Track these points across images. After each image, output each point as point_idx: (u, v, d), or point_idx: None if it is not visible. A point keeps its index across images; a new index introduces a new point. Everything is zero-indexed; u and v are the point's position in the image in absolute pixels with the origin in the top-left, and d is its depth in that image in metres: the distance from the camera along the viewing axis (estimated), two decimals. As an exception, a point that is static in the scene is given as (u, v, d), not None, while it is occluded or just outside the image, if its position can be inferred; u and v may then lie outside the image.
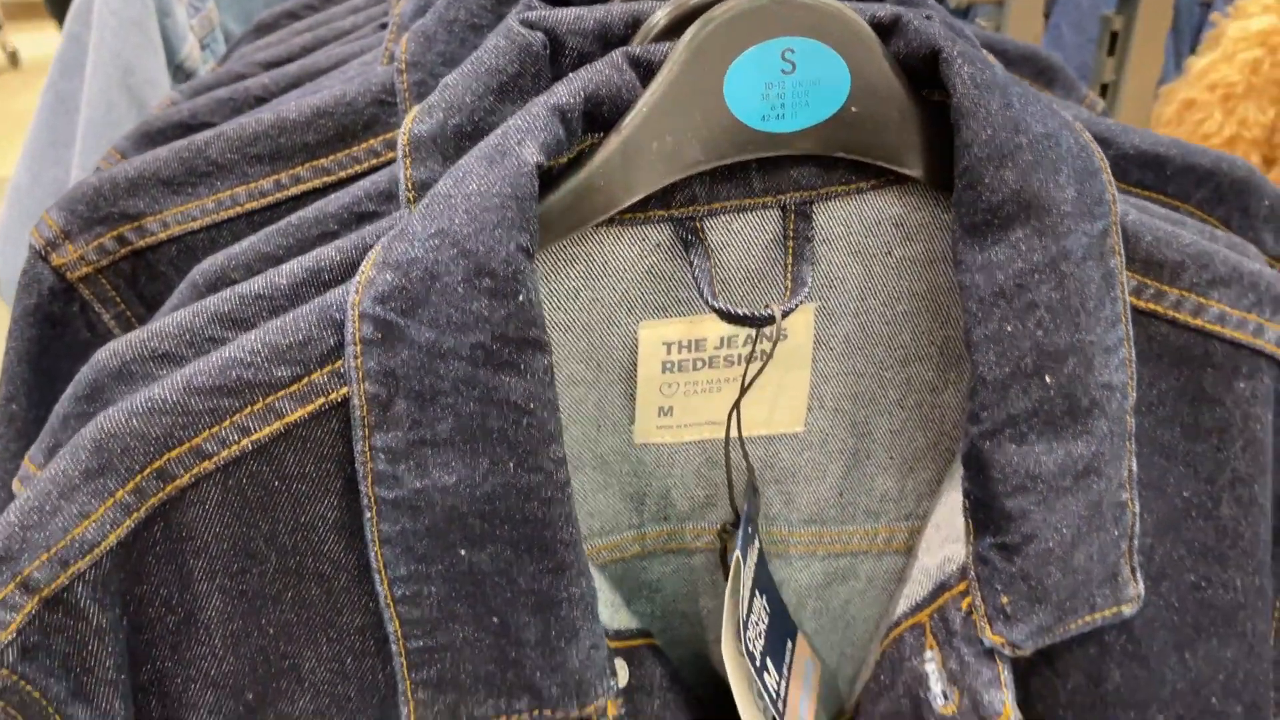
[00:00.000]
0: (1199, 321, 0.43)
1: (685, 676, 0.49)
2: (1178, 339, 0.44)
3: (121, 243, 0.50)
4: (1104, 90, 0.83)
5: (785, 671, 0.47)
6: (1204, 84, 0.81)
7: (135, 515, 0.37)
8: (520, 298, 0.36)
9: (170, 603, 0.39)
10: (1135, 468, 0.42)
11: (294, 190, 0.52)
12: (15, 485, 0.43)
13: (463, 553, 0.39)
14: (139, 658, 0.39)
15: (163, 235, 0.51)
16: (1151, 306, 0.43)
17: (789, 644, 0.48)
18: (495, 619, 0.39)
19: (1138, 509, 0.43)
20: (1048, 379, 0.39)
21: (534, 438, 0.38)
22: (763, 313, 0.39)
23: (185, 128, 0.57)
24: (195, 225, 0.51)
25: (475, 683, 0.40)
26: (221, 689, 0.40)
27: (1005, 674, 0.42)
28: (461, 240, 0.36)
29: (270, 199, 0.52)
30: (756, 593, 0.46)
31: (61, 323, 0.53)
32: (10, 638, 0.36)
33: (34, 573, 0.36)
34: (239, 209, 0.51)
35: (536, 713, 0.40)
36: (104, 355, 0.41)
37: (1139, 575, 0.43)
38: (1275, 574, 0.48)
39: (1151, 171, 0.49)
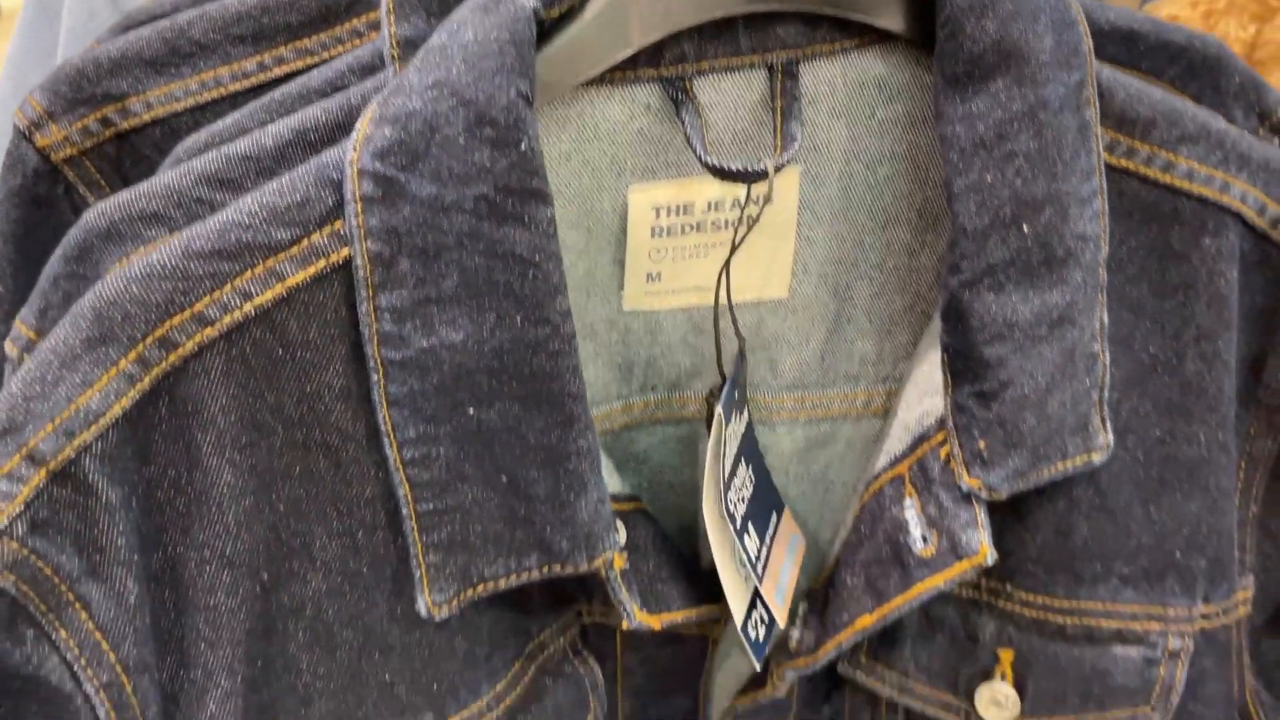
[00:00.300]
0: (1169, 178, 0.45)
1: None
2: (1148, 195, 0.45)
3: (105, 124, 0.50)
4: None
5: (768, 540, 0.49)
6: (1187, 0, 0.83)
7: (139, 386, 0.37)
8: (522, 146, 0.37)
9: (179, 483, 0.39)
10: (1106, 320, 0.44)
11: (277, 71, 0.52)
12: (7, 346, 0.42)
13: (471, 411, 0.39)
14: (150, 544, 0.39)
15: (146, 117, 0.50)
16: (1124, 163, 0.45)
17: (774, 516, 0.50)
18: (504, 478, 0.40)
19: (1108, 360, 0.45)
20: (1025, 228, 0.41)
21: (540, 290, 0.38)
22: (755, 167, 0.40)
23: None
24: (179, 106, 0.50)
25: (485, 543, 0.41)
26: (237, 569, 0.40)
27: (982, 516, 0.44)
28: (461, 89, 0.37)
29: (253, 80, 0.52)
30: (742, 461, 0.48)
31: (47, 204, 0.52)
32: (18, 510, 0.35)
33: (39, 444, 0.35)
34: (222, 90, 0.51)
35: (546, 569, 0.42)
36: (92, 215, 0.41)
37: (1108, 425, 0.45)
38: (1239, 433, 0.50)
39: (1125, 48, 0.50)
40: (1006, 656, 0.52)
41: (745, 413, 0.48)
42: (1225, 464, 0.49)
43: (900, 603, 0.46)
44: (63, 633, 0.36)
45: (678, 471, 0.54)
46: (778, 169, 0.40)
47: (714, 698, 0.56)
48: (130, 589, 0.37)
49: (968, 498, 0.44)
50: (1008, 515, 0.49)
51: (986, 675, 0.53)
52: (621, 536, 0.45)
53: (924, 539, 0.45)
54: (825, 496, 0.54)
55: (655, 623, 0.46)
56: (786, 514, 0.51)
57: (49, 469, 0.35)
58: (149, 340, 0.37)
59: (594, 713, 0.52)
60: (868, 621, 0.46)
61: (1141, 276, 0.46)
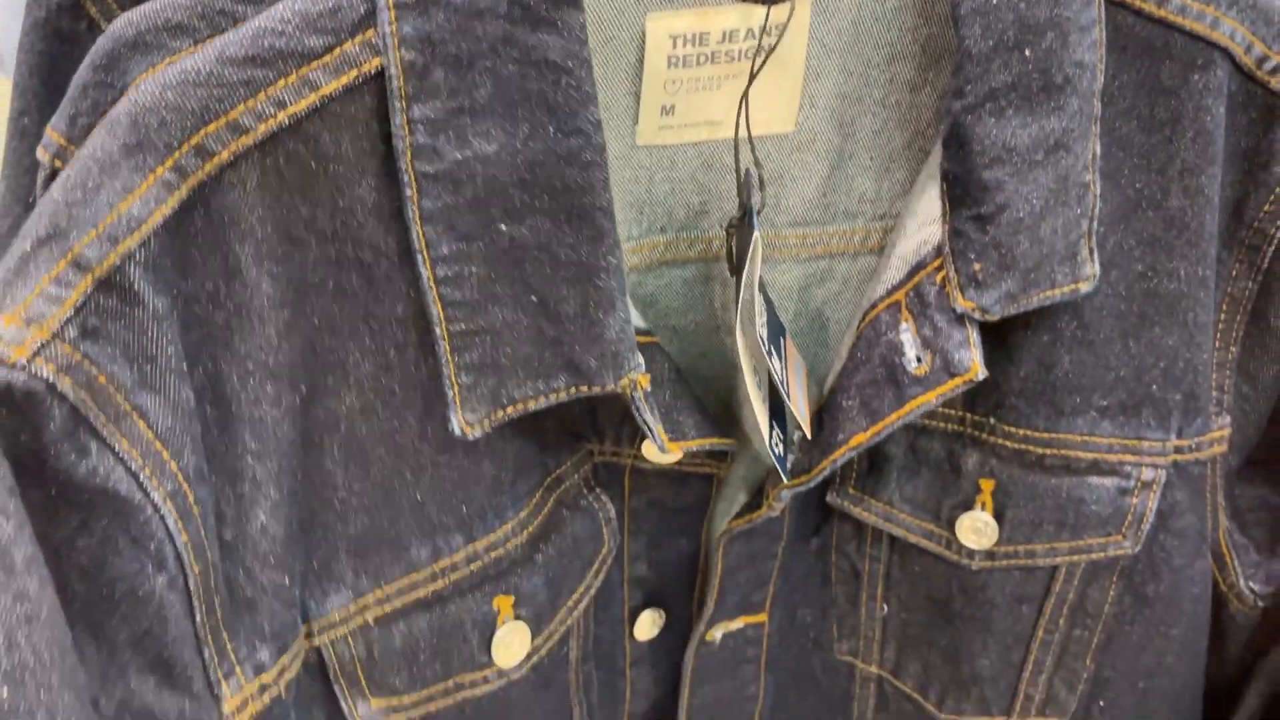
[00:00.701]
0: (1163, 12, 0.46)
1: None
2: (1142, 30, 0.47)
3: None
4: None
5: (783, 363, 0.51)
6: None
7: (177, 194, 0.37)
8: None
9: (218, 296, 0.39)
10: (1099, 151, 0.46)
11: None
12: (40, 152, 0.42)
13: (503, 227, 0.40)
14: (193, 359, 0.39)
15: None
16: (1119, -4, 0.46)
17: (782, 340, 0.52)
18: (534, 298, 0.41)
19: (1098, 191, 0.47)
20: (1027, 52, 0.43)
21: (573, 99, 0.39)
22: None
23: None
24: None
25: (515, 365, 0.42)
26: (279, 380, 0.41)
27: (975, 336, 0.46)
28: None
29: None
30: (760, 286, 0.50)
31: (70, 40, 0.52)
32: (69, 314, 0.35)
33: (84, 250, 0.35)
34: None
35: (574, 390, 0.43)
36: (120, 25, 0.40)
37: (1095, 256, 0.47)
38: (1221, 274, 0.53)
39: None
40: (988, 487, 0.55)
41: (760, 243, 0.50)
42: (1204, 299, 0.51)
43: (894, 419, 0.48)
44: (124, 443, 0.36)
45: (682, 315, 0.56)
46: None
47: (714, 533, 0.59)
48: (184, 398, 0.38)
49: (961, 319, 0.46)
50: (994, 350, 0.52)
51: (968, 505, 0.56)
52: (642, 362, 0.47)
53: (918, 359, 0.47)
54: (820, 334, 0.57)
55: (676, 449, 0.47)
56: (789, 340, 0.54)
57: (95, 275, 0.35)
58: (185, 148, 0.37)
59: (608, 545, 0.54)
60: (862, 439, 0.49)
61: (1131, 112, 0.48)
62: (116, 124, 0.37)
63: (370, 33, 0.38)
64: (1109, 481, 0.54)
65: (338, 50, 0.38)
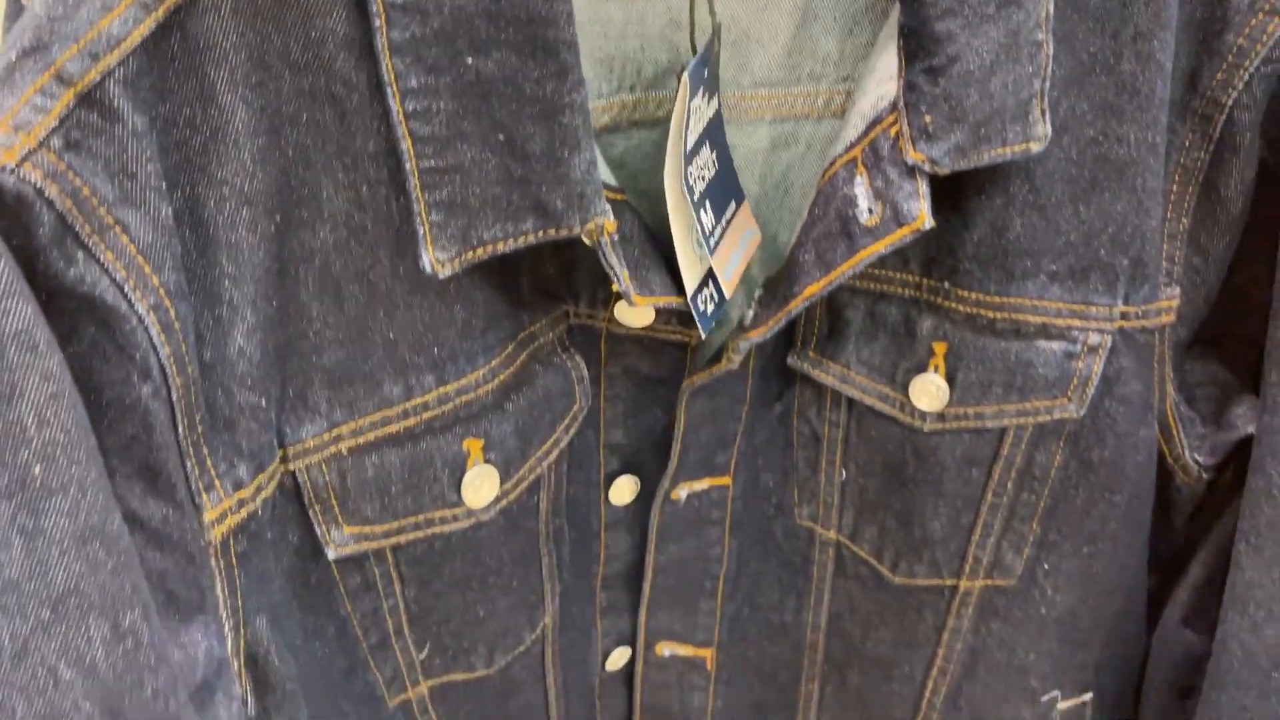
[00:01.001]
0: None
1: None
2: None
3: None
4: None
5: (724, 224, 0.53)
6: None
7: (154, 15, 0.37)
8: None
9: (195, 121, 0.40)
10: (1052, 11, 0.47)
11: None
12: None
13: (470, 60, 0.41)
14: (171, 183, 0.40)
15: None
16: None
17: (733, 205, 0.54)
18: (501, 136, 0.43)
19: (1051, 50, 0.48)
20: None
21: None
22: None
23: None
24: None
25: (484, 206, 0.44)
26: (255, 206, 0.42)
27: (924, 188, 0.48)
28: None
29: None
30: (706, 144, 0.52)
31: None
32: (53, 124, 0.36)
33: (66, 64, 0.36)
34: None
35: (542, 233, 0.45)
36: None
37: (1048, 117, 0.49)
38: (1175, 145, 0.54)
39: None
40: (940, 350, 0.57)
41: (716, 100, 0.52)
42: (1154, 166, 0.53)
43: (846, 268, 0.50)
44: (109, 255, 0.37)
45: (651, 177, 0.57)
46: None
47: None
48: (164, 215, 0.39)
49: (912, 172, 0.48)
50: (950, 214, 0.54)
51: (921, 368, 0.58)
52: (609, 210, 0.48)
53: (870, 210, 0.49)
54: (784, 199, 0.58)
55: (642, 302, 0.49)
56: (745, 207, 0.55)
57: (76, 90, 0.36)
58: None
59: (579, 404, 0.57)
60: (815, 289, 0.51)
61: None
62: None
63: None
64: (1056, 345, 0.56)
65: None
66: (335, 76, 0.42)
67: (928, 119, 0.47)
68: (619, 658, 0.70)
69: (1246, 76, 0.51)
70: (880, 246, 0.49)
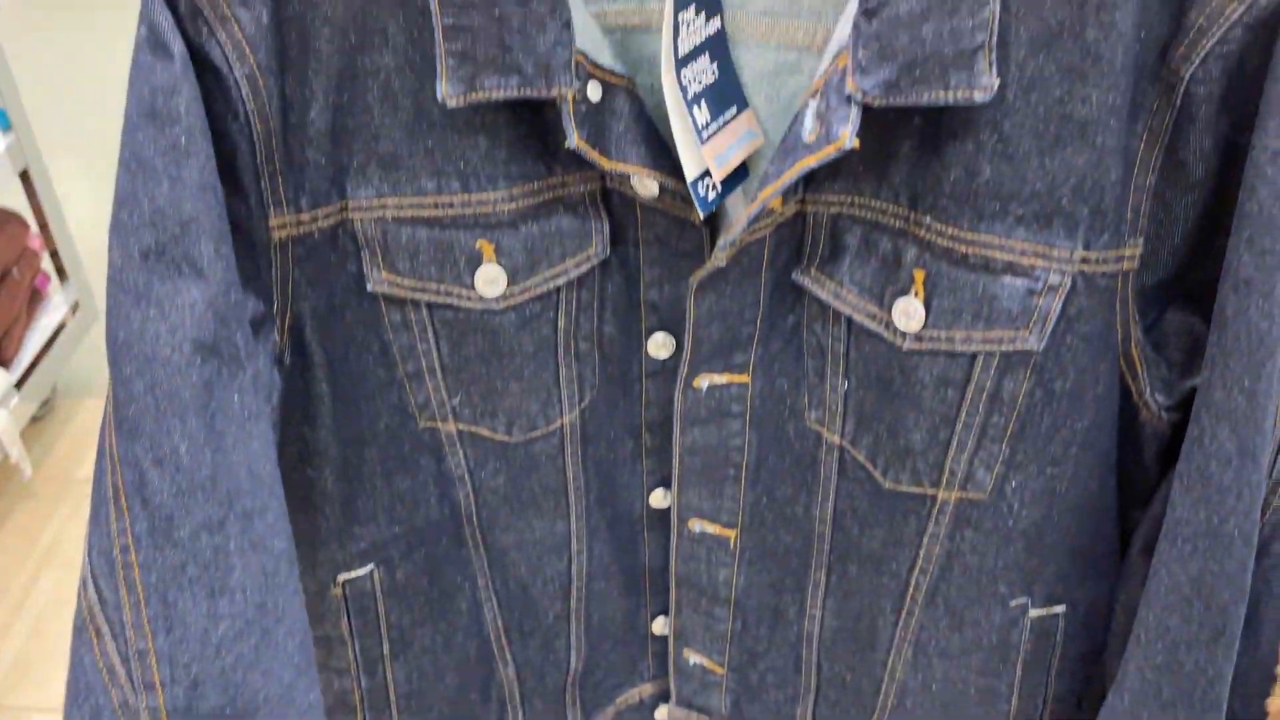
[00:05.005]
0: None
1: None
2: None
3: None
4: None
5: (721, 122, 0.62)
6: None
7: None
8: None
9: None
10: None
11: None
12: None
13: None
14: (285, 2, 0.57)
15: None
16: None
17: (734, 109, 0.63)
18: (496, 10, 0.56)
19: (998, 10, 0.54)
20: None
21: None
22: None
23: None
24: None
25: (485, 61, 0.57)
26: (334, 27, 0.58)
27: (854, 114, 0.56)
28: None
29: None
30: (706, 53, 0.61)
31: None
32: None
33: None
34: None
35: (521, 90, 0.58)
36: None
37: (994, 69, 0.55)
38: (1145, 106, 0.59)
39: None
40: (919, 276, 0.64)
41: (718, 20, 0.61)
42: (1114, 126, 0.58)
43: (787, 177, 0.58)
44: (222, 34, 0.56)
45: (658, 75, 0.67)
46: None
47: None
48: (264, 19, 0.56)
49: (849, 99, 0.56)
50: (930, 156, 0.61)
51: (904, 291, 0.65)
52: (593, 94, 0.60)
53: (812, 130, 0.57)
54: (790, 121, 0.66)
55: (605, 162, 0.61)
56: (748, 114, 0.64)
57: None
58: None
59: (595, 247, 0.68)
60: (766, 194, 0.60)
61: None
62: None
63: None
64: (1020, 282, 0.62)
65: None
66: None
67: (861, 55, 0.55)
68: (660, 498, 0.81)
69: (1203, 53, 0.55)
70: (811, 160, 0.57)
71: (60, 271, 2.20)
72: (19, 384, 1.99)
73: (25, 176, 2.01)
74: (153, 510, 0.56)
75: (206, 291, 0.57)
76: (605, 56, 0.61)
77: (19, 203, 2.09)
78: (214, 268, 0.57)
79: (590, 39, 0.60)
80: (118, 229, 0.56)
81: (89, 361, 2.33)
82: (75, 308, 2.20)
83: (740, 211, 0.69)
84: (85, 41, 3.41)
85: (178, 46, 0.55)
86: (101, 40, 3.39)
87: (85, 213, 2.66)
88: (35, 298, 2.13)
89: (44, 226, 2.11)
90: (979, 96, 0.55)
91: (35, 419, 2.21)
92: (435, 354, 0.70)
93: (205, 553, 0.57)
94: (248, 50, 0.57)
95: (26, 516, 2.00)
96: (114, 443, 0.57)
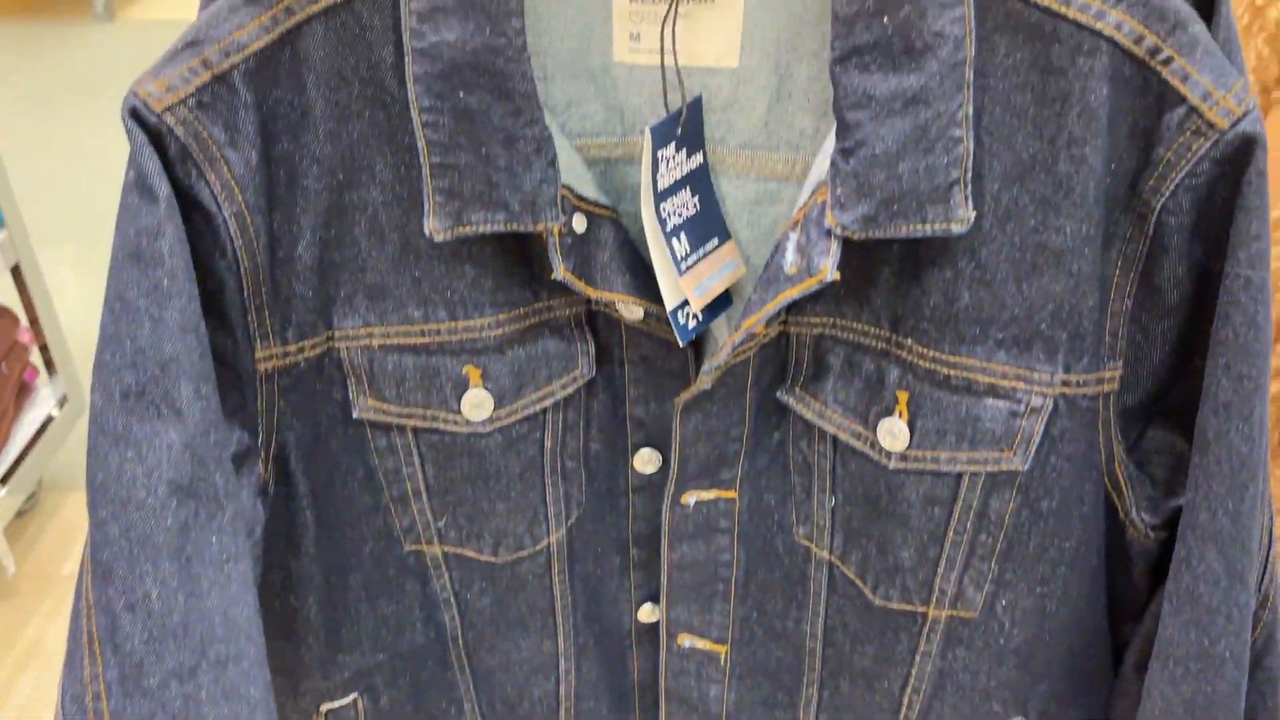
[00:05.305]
0: (1047, 2, 0.54)
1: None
2: (1030, 15, 0.54)
3: None
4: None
5: (701, 253, 0.63)
6: None
7: (271, 35, 0.56)
8: None
9: (292, 102, 0.58)
10: (970, 112, 0.54)
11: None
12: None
13: (461, 95, 0.56)
14: (272, 138, 0.58)
15: None
16: (1004, -15, 0.54)
17: (715, 240, 0.64)
18: (483, 150, 0.57)
19: (971, 147, 0.55)
20: (885, 19, 0.52)
21: (500, 11, 0.55)
22: None
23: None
24: None
25: (473, 197, 0.58)
26: (322, 164, 0.60)
27: (835, 248, 0.57)
28: None
29: None
30: (687, 187, 0.62)
31: None
32: (191, 91, 0.55)
33: (210, 55, 0.55)
34: None
35: (508, 225, 0.59)
36: None
37: (970, 203, 0.56)
38: (1119, 235, 0.60)
39: None
40: (903, 398, 0.65)
41: (700, 156, 0.62)
42: (1089, 255, 0.59)
43: (770, 308, 0.59)
44: (211, 175, 0.57)
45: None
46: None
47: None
48: (253, 160, 0.58)
49: (828, 233, 0.57)
50: (909, 281, 0.61)
51: (888, 412, 0.65)
52: (578, 225, 0.61)
53: (793, 262, 0.58)
54: (772, 247, 0.67)
55: (591, 291, 0.62)
56: (730, 245, 0.65)
57: (213, 72, 0.56)
58: (279, 6, 0.56)
59: (581, 369, 0.69)
60: (750, 323, 0.61)
61: (1026, 85, 0.56)
62: None
63: None
64: (1002, 404, 0.62)
65: None
66: (385, 89, 0.59)
67: (840, 191, 0.56)
68: (649, 613, 0.81)
69: (1173, 186, 0.57)
70: (794, 292, 0.58)
71: (49, 364, 2.19)
72: (4, 478, 1.97)
73: (16, 271, 2.02)
74: (124, 657, 0.55)
75: (185, 433, 0.56)
76: (589, 188, 0.62)
77: (9, 295, 2.09)
78: (193, 408, 0.57)
79: (575, 172, 0.61)
80: (100, 369, 0.56)
81: (76, 456, 2.32)
82: (63, 401, 2.20)
83: (724, 334, 0.70)
84: (79, 131, 3.46)
85: (163, 190, 0.55)
86: (95, 130, 3.43)
87: (76, 304, 2.67)
88: (23, 391, 2.12)
89: (34, 320, 2.11)
90: (956, 229, 0.56)
91: (20, 513, 2.19)
92: (421, 477, 0.69)
93: (175, 702, 0.56)
94: (236, 190, 0.58)
95: (7, 613, 1.97)
96: (89, 586, 0.56)
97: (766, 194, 0.65)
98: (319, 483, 0.68)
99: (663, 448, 0.73)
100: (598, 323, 0.69)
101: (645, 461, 0.74)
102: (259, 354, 0.63)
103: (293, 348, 0.64)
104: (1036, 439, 0.62)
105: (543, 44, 0.62)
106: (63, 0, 4.35)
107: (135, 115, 0.56)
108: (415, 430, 0.67)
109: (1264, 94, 0.99)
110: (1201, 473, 0.59)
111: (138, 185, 0.56)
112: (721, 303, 0.67)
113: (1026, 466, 0.63)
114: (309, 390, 0.66)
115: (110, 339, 0.56)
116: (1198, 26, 0.54)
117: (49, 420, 2.16)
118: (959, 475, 0.65)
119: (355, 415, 0.67)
